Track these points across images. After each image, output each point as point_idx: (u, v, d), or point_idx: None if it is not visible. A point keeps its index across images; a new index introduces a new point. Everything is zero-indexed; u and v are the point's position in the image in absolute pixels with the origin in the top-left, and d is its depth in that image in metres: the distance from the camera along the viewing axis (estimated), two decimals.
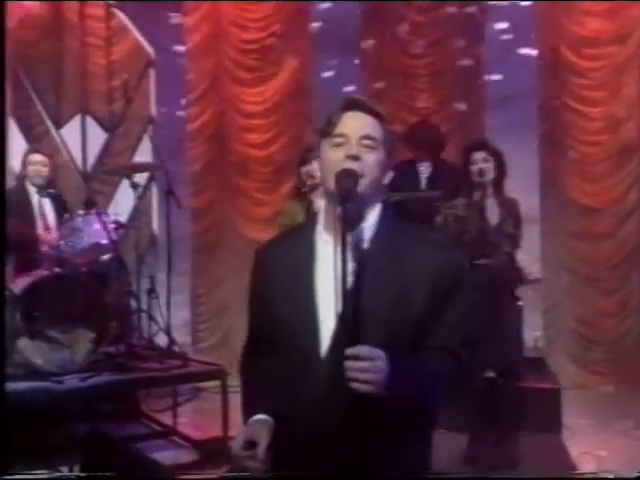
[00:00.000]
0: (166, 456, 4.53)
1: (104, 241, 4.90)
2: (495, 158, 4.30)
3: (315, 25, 6.88)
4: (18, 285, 4.66)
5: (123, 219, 5.45)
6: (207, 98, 7.05)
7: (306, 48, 6.93)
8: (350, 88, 6.63)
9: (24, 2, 6.54)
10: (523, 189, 5.16)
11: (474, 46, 6.58)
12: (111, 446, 4.16)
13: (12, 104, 6.53)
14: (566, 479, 3.28)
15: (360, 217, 1.81)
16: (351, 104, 1.86)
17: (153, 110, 7.01)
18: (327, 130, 1.84)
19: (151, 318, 5.24)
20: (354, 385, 1.61)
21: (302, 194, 4.44)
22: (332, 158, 1.81)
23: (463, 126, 6.52)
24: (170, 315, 5.11)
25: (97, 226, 4.90)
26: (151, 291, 5.36)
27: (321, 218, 1.89)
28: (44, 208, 5.26)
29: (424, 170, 5.50)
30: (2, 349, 2.54)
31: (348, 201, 1.72)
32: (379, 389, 1.62)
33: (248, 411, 1.86)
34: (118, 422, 4.90)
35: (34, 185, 5.22)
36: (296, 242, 1.89)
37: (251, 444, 1.72)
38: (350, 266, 1.71)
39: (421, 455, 1.88)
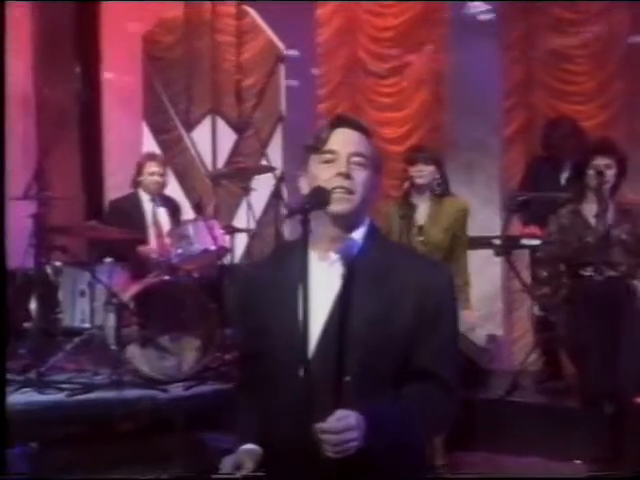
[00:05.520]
0: None
1: (213, 247, 4.82)
2: (619, 165, 3.80)
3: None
4: (128, 293, 4.70)
5: (240, 224, 5.35)
6: (340, 92, 6.82)
7: (442, 34, 6.49)
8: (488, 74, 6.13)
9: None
10: None
11: None
12: (209, 457, 4.11)
13: (144, 111, 6.66)
14: (569, 479, 3.13)
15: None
16: (340, 120, 1.84)
17: (283, 108, 6.89)
18: (316, 146, 1.81)
19: None
20: (328, 455, 1.59)
21: (401, 196, 4.10)
22: (322, 175, 1.78)
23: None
24: None
25: (206, 232, 4.83)
26: None
27: (313, 234, 1.80)
28: (157, 216, 5.12)
29: (565, 168, 4.91)
30: (2, 351, 2.65)
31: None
32: (357, 450, 1.60)
33: (240, 439, 1.89)
34: (221, 432, 4.83)
35: (149, 193, 5.10)
36: (288, 258, 1.84)
37: (237, 469, 1.82)
38: (337, 281, 1.76)
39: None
